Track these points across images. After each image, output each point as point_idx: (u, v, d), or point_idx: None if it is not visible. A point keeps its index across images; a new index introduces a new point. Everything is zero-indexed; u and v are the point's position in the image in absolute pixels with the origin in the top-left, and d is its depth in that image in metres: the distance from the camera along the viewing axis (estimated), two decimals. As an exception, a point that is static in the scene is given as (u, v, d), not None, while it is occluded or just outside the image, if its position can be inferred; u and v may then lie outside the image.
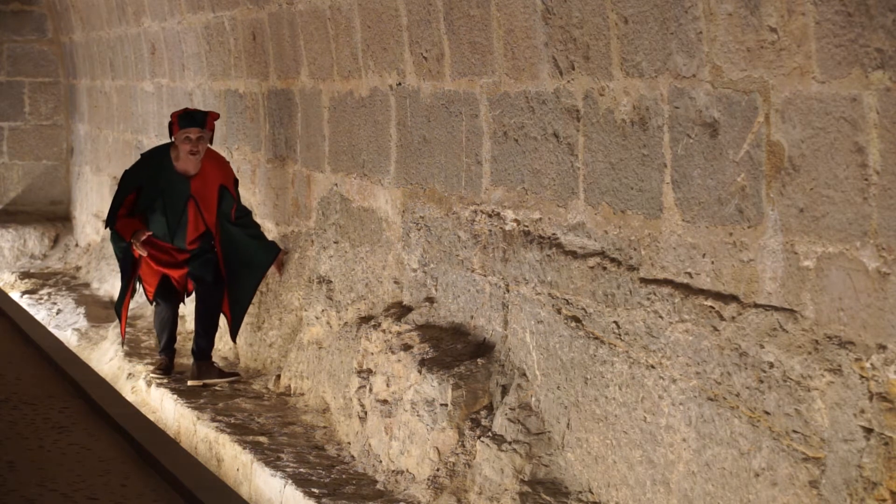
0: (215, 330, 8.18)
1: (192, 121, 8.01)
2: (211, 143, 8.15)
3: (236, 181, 8.28)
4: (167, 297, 8.22)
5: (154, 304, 8.34)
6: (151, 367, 8.35)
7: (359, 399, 6.50)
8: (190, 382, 7.94)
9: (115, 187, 12.50)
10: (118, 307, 8.40)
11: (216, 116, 8.15)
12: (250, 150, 8.93)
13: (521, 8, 5.43)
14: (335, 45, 7.40)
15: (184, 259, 8.16)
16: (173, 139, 8.07)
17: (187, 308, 8.82)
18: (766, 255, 4.14)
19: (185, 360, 8.38)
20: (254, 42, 8.66)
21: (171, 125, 8.07)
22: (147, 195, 8.10)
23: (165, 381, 8.11)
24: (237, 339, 8.30)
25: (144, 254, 7.97)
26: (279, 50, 8.23)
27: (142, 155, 8.41)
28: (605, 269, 4.99)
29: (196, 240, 8.13)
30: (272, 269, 8.19)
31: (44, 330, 9.52)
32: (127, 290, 8.27)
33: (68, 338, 10.31)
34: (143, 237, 7.94)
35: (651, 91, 4.66)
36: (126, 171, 8.42)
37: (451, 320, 6.20)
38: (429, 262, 6.43)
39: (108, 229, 8.39)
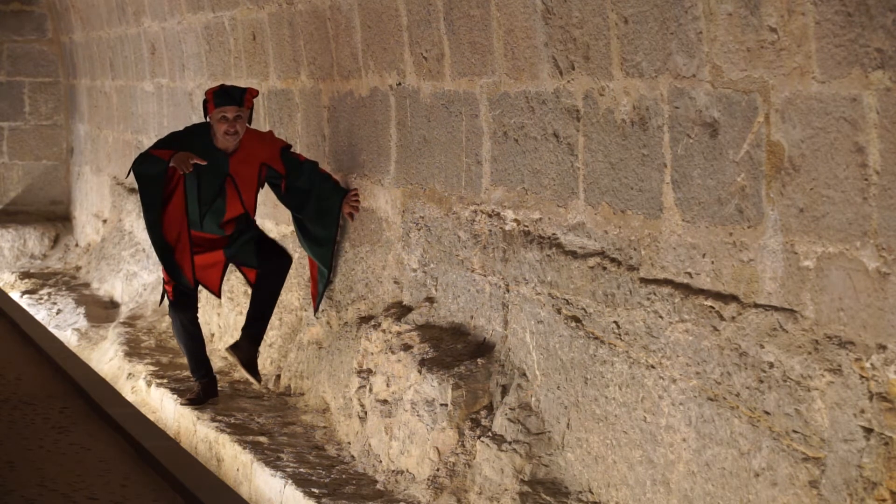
0: (268, 316, 7.55)
1: (228, 98, 7.23)
2: (250, 122, 7.37)
3: (287, 147, 7.45)
4: (184, 303, 7.45)
5: (170, 308, 7.53)
6: (184, 399, 7.55)
7: (359, 399, 6.50)
8: (225, 350, 7.61)
9: (116, 187, 12.62)
10: (166, 257, 7.24)
11: (255, 93, 7.39)
12: (250, 150, 8.92)
13: (521, 8, 5.42)
14: (335, 45, 7.39)
15: (222, 244, 7.46)
16: (208, 119, 7.31)
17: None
18: (766, 255, 4.14)
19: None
20: (254, 42, 8.66)
21: (205, 103, 7.31)
22: None
23: (165, 380, 8.10)
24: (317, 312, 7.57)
25: (189, 170, 7.04)
26: (279, 50, 8.23)
27: (172, 132, 7.62)
28: (605, 269, 4.99)
29: (231, 221, 7.42)
30: (345, 214, 7.30)
31: (44, 330, 9.51)
32: (160, 222, 7.19)
33: (68, 338, 10.30)
34: (194, 160, 7.03)
35: (651, 91, 4.66)
36: (160, 139, 7.51)
37: (451, 320, 6.20)
38: (429, 262, 6.43)
39: (132, 172, 7.32)
